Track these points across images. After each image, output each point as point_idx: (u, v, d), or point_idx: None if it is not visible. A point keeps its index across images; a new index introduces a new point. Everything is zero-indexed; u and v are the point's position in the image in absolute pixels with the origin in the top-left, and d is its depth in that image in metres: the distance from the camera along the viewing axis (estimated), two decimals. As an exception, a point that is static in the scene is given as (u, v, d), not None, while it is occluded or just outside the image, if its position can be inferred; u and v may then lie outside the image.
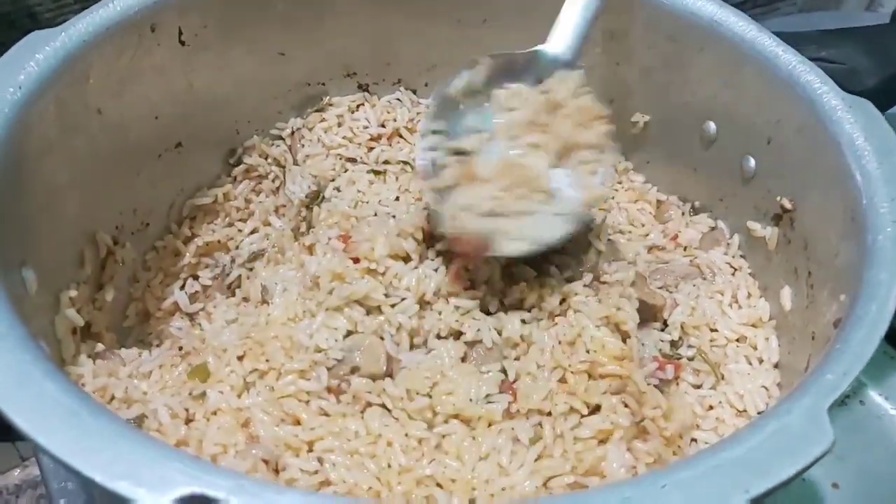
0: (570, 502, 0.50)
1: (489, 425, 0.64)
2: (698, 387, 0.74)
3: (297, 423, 0.62)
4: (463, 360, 0.70)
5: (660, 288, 0.79)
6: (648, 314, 0.75)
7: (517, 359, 0.70)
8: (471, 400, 0.65)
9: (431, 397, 0.65)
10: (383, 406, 0.65)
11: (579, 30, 0.77)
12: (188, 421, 0.64)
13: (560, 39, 0.77)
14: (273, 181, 0.90)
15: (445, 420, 0.64)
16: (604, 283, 0.76)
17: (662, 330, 0.77)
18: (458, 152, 0.74)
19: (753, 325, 0.77)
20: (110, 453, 0.43)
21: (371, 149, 0.92)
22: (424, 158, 0.73)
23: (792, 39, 0.76)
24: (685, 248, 0.86)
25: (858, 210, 0.63)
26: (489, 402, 0.65)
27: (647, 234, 0.88)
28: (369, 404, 0.65)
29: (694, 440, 0.69)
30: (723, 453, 0.47)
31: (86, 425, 0.45)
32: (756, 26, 0.77)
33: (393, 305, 0.70)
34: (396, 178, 0.88)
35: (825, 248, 0.69)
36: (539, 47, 0.77)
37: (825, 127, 0.69)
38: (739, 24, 0.77)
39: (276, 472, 0.60)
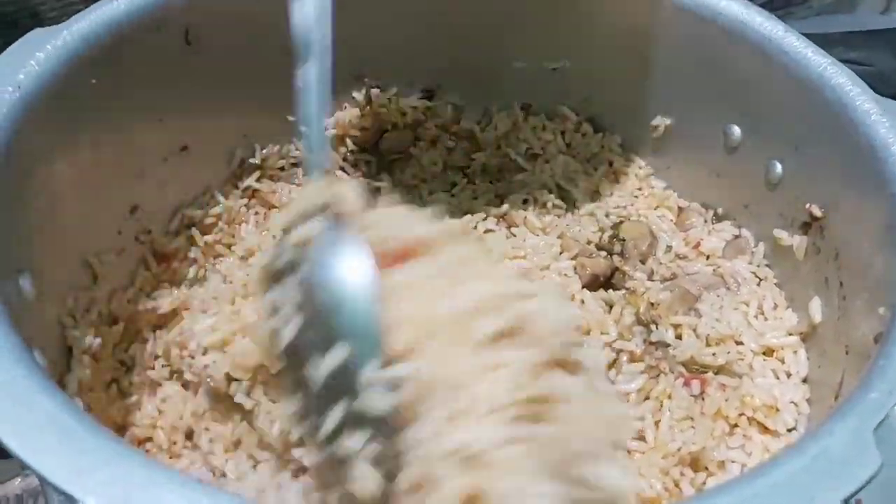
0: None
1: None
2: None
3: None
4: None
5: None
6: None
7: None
8: None
9: None
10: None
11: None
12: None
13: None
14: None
15: None
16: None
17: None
18: None
19: (780, 338, 0.74)
20: (105, 475, 0.40)
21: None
22: None
23: (818, 41, 0.73)
24: (707, 257, 0.83)
25: (895, 218, 0.60)
26: None
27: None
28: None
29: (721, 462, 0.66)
30: (761, 479, 0.44)
31: (81, 445, 0.42)
32: (783, 26, 0.75)
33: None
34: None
35: (858, 258, 0.66)
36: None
37: (858, 131, 0.66)
38: (766, 25, 0.75)
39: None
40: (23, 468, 1.17)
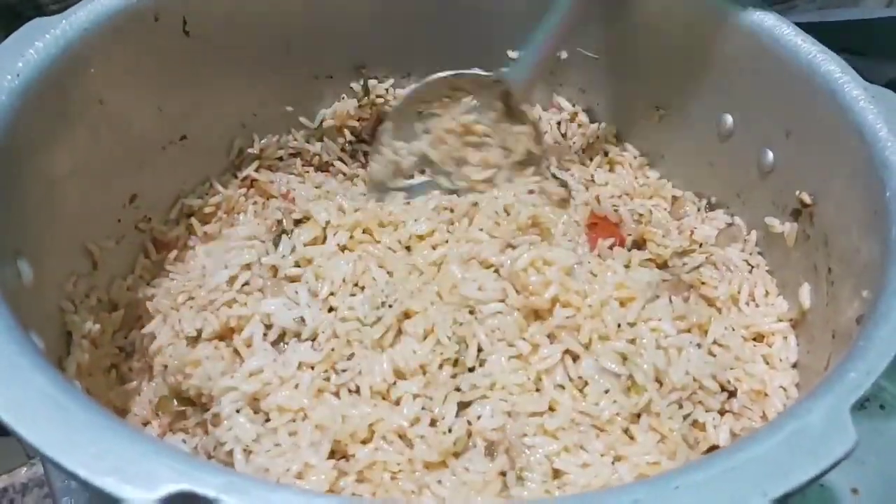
0: (581, 502, 0.47)
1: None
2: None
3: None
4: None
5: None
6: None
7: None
8: None
9: None
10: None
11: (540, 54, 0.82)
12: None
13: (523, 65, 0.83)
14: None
15: None
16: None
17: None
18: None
19: (771, 325, 0.75)
20: (97, 449, 0.41)
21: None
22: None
23: (811, 30, 0.74)
24: (701, 245, 0.83)
25: (881, 203, 0.61)
26: None
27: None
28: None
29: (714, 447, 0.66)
30: (739, 454, 0.44)
31: (73, 419, 0.43)
32: (774, 15, 0.75)
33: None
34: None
35: (846, 244, 0.66)
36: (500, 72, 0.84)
37: (847, 118, 0.66)
38: (757, 13, 0.75)
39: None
40: (28, 458, 1.19)
